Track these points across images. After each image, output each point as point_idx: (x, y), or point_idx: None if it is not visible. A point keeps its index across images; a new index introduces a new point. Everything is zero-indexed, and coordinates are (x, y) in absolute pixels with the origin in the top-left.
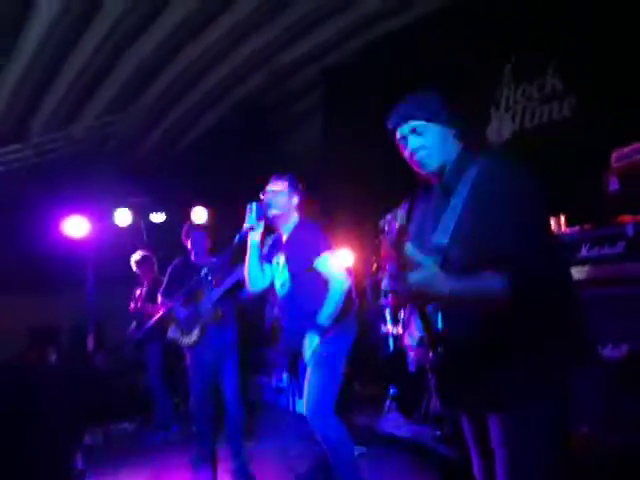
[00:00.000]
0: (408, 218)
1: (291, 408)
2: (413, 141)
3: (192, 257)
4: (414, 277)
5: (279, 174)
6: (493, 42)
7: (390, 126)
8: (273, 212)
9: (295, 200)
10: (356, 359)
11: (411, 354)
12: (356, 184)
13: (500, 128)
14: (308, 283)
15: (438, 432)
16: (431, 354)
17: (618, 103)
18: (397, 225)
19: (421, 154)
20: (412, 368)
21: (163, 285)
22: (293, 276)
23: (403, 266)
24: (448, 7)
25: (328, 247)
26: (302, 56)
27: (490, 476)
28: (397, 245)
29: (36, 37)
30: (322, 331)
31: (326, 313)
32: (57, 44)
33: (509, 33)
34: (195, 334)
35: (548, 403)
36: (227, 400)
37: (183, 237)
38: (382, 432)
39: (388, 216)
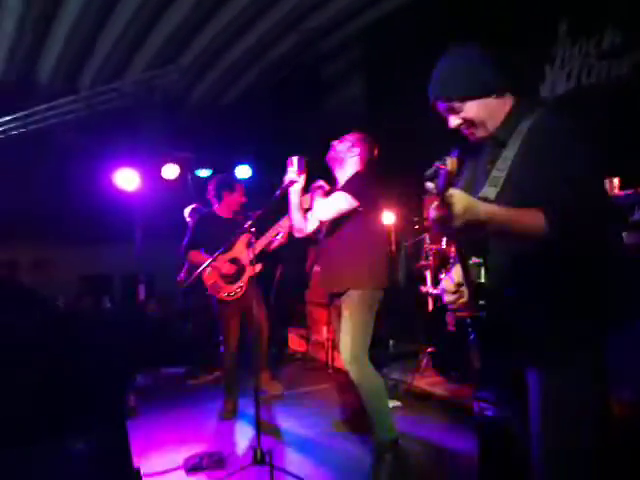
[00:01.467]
0: (458, 165)
1: (329, 361)
2: (451, 119)
3: (217, 209)
4: (460, 199)
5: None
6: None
7: (430, 100)
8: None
9: (356, 151)
10: (394, 317)
11: (447, 302)
12: (399, 143)
13: (554, 86)
14: (343, 228)
15: (474, 389)
16: (472, 305)
17: None
18: (446, 170)
19: (464, 128)
20: (451, 323)
21: (189, 237)
22: (330, 222)
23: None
24: None
25: (343, 189)
26: (340, 13)
27: (526, 435)
28: (445, 190)
29: None
30: None
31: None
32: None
33: None
34: (238, 286)
35: (587, 361)
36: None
37: (217, 189)
38: (418, 389)
39: (436, 163)
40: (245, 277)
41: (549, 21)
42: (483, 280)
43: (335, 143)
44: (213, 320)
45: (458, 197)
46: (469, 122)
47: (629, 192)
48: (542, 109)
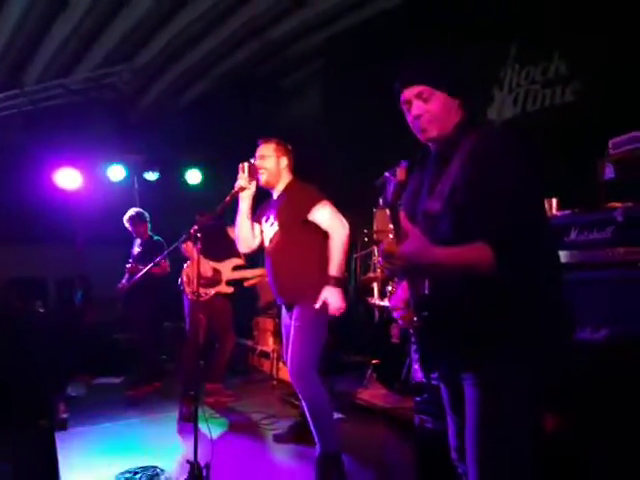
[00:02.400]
0: (407, 175)
1: (274, 373)
2: (417, 106)
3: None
4: (405, 249)
5: (267, 138)
6: (500, 22)
7: (396, 87)
8: (263, 174)
9: (284, 162)
10: (341, 329)
11: (397, 316)
12: (353, 154)
13: (502, 109)
14: (298, 238)
15: (416, 402)
16: (416, 317)
17: (621, 91)
18: (395, 180)
19: (424, 120)
20: (395, 335)
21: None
22: (283, 230)
23: (395, 233)
24: None
25: (322, 198)
26: (301, 26)
27: (463, 442)
28: (393, 204)
29: None
30: (337, 283)
31: (336, 263)
32: None
33: (516, 14)
34: (204, 292)
35: (522, 370)
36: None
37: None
38: (361, 400)
39: (386, 173)
40: (215, 290)
41: (500, 45)
42: (427, 292)
43: (257, 161)
44: (155, 329)
45: (413, 236)
46: (430, 114)
47: (566, 213)
48: (486, 130)
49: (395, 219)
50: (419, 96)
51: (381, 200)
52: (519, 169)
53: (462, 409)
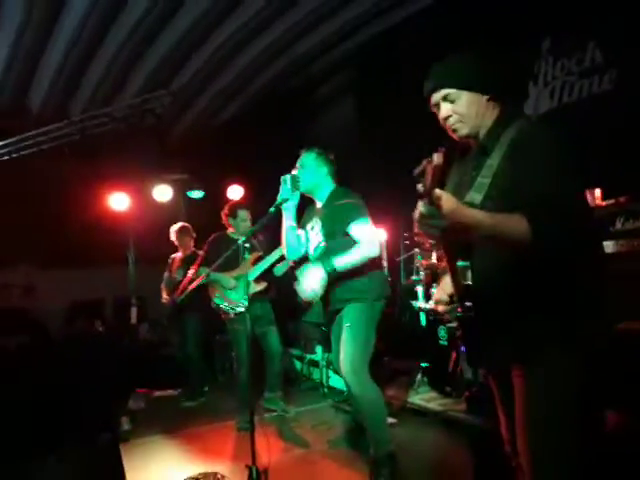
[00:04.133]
0: (445, 159)
1: (324, 381)
2: (444, 108)
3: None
4: (447, 200)
5: (307, 148)
6: (532, 16)
7: (424, 93)
8: (305, 183)
9: (325, 170)
10: (388, 334)
11: (441, 310)
12: (390, 162)
13: (538, 103)
14: (341, 247)
15: (467, 404)
16: (460, 308)
17: None
18: (433, 165)
19: (452, 120)
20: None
21: (201, 258)
22: (328, 238)
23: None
24: None
25: (362, 213)
26: (328, 38)
27: (515, 434)
28: (433, 185)
29: (74, 19)
30: (331, 270)
31: (345, 260)
32: (94, 26)
33: (547, 7)
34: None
35: (569, 359)
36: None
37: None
38: (412, 405)
39: (424, 161)
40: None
41: (532, 39)
42: (470, 282)
43: (299, 171)
44: (204, 343)
45: (446, 198)
46: (458, 115)
47: (611, 202)
48: (526, 122)
49: (433, 201)
50: (445, 98)
51: (420, 187)
52: (558, 158)
53: (512, 401)
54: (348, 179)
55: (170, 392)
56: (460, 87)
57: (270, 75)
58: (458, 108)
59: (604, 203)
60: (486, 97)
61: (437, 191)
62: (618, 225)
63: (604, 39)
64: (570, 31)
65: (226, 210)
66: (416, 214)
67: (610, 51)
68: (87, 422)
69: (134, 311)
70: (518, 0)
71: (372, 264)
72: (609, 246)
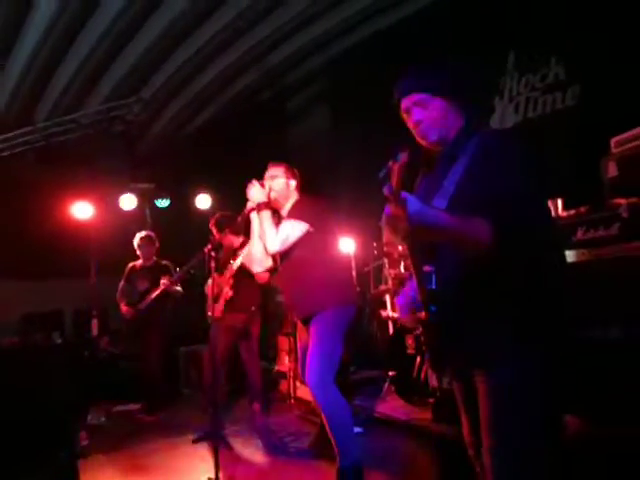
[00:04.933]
0: (409, 159)
1: (292, 392)
2: (415, 113)
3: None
4: (412, 205)
5: (276, 161)
6: (496, 32)
7: (395, 98)
8: (272, 195)
9: (293, 183)
10: (356, 343)
11: (404, 315)
12: (361, 173)
13: (503, 118)
14: (304, 252)
15: (433, 412)
16: (424, 313)
17: (620, 91)
18: (396, 165)
19: (423, 126)
20: (411, 345)
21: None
22: (287, 252)
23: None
24: None
25: (304, 217)
26: (302, 49)
27: (479, 439)
28: (398, 186)
29: (42, 23)
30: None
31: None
32: (62, 30)
33: (512, 23)
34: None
35: (531, 363)
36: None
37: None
38: (379, 413)
39: (390, 162)
40: (221, 300)
41: (498, 54)
42: (434, 286)
43: (268, 182)
44: (165, 354)
45: (411, 200)
46: (429, 119)
47: (572, 212)
48: (490, 130)
49: (399, 202)
50: (417, 104)
51: (386, 189)
52: (520, 163)
53: (475, 405)
54: (319, 189)
55: (131, 406)
56: (431, 92)
57: (242, 85)
58: (430, 113)
59: (565, 213)
60: (455, 103)
61: (403, 194)
62: (579, 235)
63: (567, 56)
64: (534, 48)
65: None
66: (385, 212)
67: (573, 68)
68: (44, 438)
69: (95, 323)
70: (484, 17)
71: (334, 271)
72: (571, 255)
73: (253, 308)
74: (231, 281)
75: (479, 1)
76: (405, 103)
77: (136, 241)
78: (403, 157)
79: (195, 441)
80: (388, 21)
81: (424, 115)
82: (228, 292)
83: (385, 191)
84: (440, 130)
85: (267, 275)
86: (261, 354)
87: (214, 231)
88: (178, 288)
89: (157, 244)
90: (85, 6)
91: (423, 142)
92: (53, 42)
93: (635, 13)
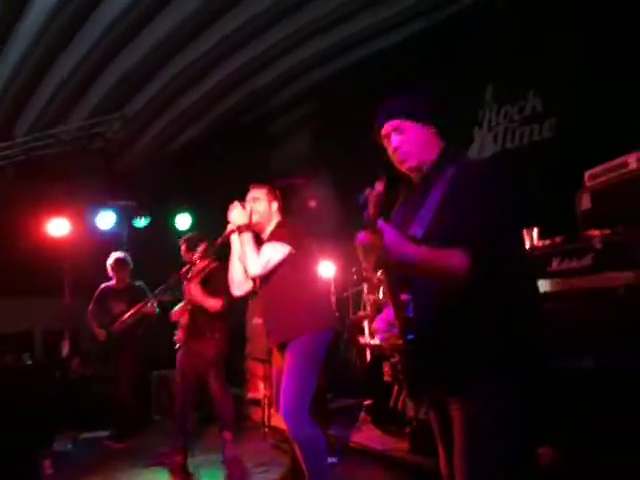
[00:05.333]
0: (386, 187)
1: (266, 420)
2: (394, 139)
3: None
4: (386, 236)
5: (258, 183)
6: (475, 64)
7: (376, 125)
8: (255, 218)
9: (275, 205)
10: (333, 371)
11: (381, 339)
12: (341, 197)
13: (482, 147)
14: (282, 277)
15: (409, 442)
16: (401, 340)
17: (595, 125)
18: (373, 194)
19: (401, 151)
20: (387, 373)
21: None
22: (267, 275)
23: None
24: (433, 28)
25: (285, 240)
26: (285, 74)
27: (453, 469)
28: (375, 213)
29: (26, 38)
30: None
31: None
32: (47, 45)
33: (490, 56)
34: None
35: (505, 393)
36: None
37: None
38: (355, 443)
39: (367, 190)
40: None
41: (477, 86)
42: (411, 314)
43: (249, 204)
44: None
45: (387, 230)
46: (407, 145)
47: (547, 242)
48: (467, 159)
49: (375, 232)
50: (396, 129)
51: (365, 216)
52: (496, 194)
53: (450, 435)
54: (299, 213)
55: (99, 433)
56: (410, 118)
57: (226, 106)
58: (407, 138)
59: (541, 243)
60: (433, 130)
61: (379, 223)
62: (554, 265)
63: (544, 89)
64: (512, 80)
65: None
66: (359, 238)
67: (550, 100)
68: (6, 467)
69: (66, 344)
70: (463, 49)
71: (313, 296)
72: (545, 285)
73: (208, 334)
74: (188, 306)
75: (459, 34)
76: (385, 129)
77: (110, 262)
78: (379, 186)
79: (147, 465)
80: (370, 50)
81: (402, 140)
82: (185, 318)
83: (365, 219)
84: (418, 155)
85: (220, 304)
86: (233, 380)
87: (183, 253)
88: (156, 310)
89: (131, 266)
90: (71, 22)
91: (402, 167)
92: (37, 57)
93: (612, 49)
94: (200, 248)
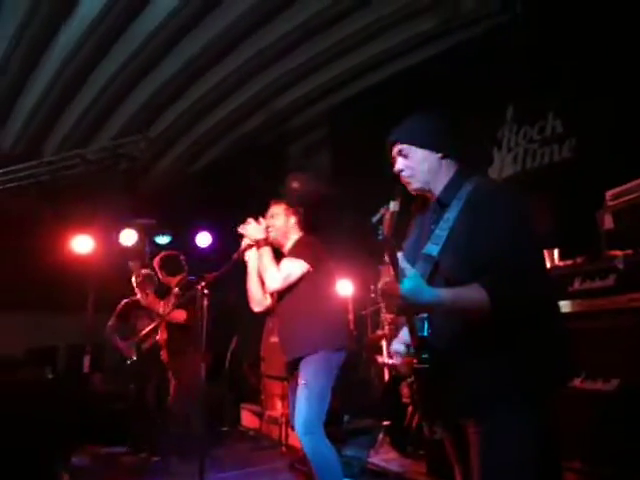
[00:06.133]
0: (401, 206)
1: (283, 439)
2: (399, 161)
3: None
4: (404, 287)
5: (277, 199)
6: (495, 85)
7: (387, 147)
8: (272, 234)
9: (293, 220)
10: (351, 391)
11: (397, 361)
12: (360, 216)
13: (502, 168)
14: (296, 293)
15: (427, 464)
16: (416, 360)
17: (616, 145)
18: (390, 212)
19: (404, 174)
20: (406, 394)
21: None
22: (285, 290)
23: (392, 267)
24: (453, 48)
25: (303, 256)
26: (304, 97)
27: None
28: (387, 237)
29: (58, 58)
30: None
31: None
32: (77, 68)
33: (511, 77)
34: None
35: (524, 417)
36: None
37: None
38: (372, 464)
39: (382, 209)
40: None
41: (497, 107)
42: (426, 334)
43: (268, 220)
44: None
45: (408, 277)
46: (410, 169)
47: (568, 263)
48: (483, 179)
49: (391, 252)
50: (400, 153)
51: (379, 235)
52: (514, 218)
53: (468, 457)
54: (318, 231)
55: (117, 449)
56: (413, 143)
57: (247, 128)
58: (410, 163)
59: (562, 263)
60: (439, 155)
61: (389, 286)
62: (576, 285)
63: (564, 109)
64: (532, 101)
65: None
66: (380, 286)
67: (570, 121)
68: (26, 478)
69: (87, 359)
70: (484, 70)
71: (329, 314)
72: (567, 305)
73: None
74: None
75: (479, 55)
76: (393, 152)
77: (136, 279)
78: (395, 205)
79: None
80: (389, 72)
81: (405, 164)
82: (163, 335)
83: (379, 238)
84: (421, 179)
85: (183, 315)
86: (250, 398)
87: (158, 271)
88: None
89: (156, 282)
90: (97, 49)
91: (409, 189)
92: (65, 81)
93: (631, 70)
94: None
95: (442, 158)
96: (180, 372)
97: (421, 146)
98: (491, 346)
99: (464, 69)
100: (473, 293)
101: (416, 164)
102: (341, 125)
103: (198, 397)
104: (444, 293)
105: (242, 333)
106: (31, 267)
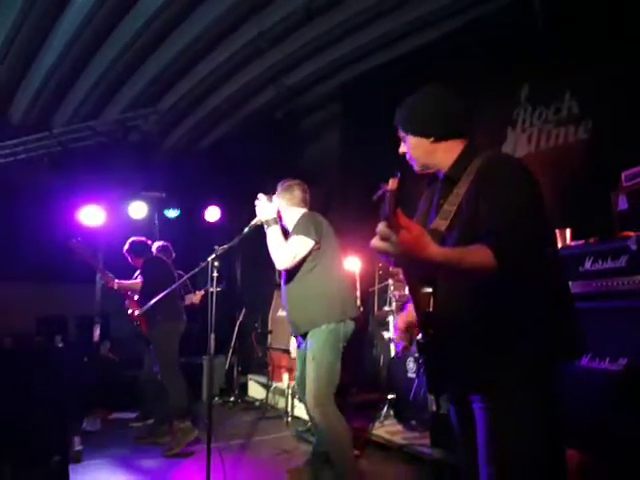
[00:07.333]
0: (400, 183)
1: (289, 409)
2: (401, 146)
3: None
4: (404, 236)
5: (286, 179)
6: (511, 65)
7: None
8: (282, 210)
9: (298, 197)
10: (358, 365)
11: (400, 337)
12: (369, 192)
13: (516, 147)
14: (302, 267)
15: (431, 437)
16: (421, 335)
17: (632, 127)
18: (388, 190)
19: (407, 157)
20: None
21: None
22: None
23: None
24: (469, 28)
25: (304, 231)
26: (315, 74)
27: (475, 465)
28: (392, 209)
29: (68, 29)
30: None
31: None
32: (88, 39)
33: (527, 57)
34: None
35: (530, 391)
36: None
37: None
38: (377, 437)
39: (381, 186)
40: None
41: (512, 86)
42: (432, 309)
43: (275, 198)
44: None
45: (414, 227)
46: (408, 154)
47: (579, 243)
48: (492, 152)
49: (393, 226)
50: (400, 137)
51: (381, 212)
52: (520, 184)
53: (473, 431)
54: (326, 208)
55: (127, 414)
56: (405, 130)
57: (258, 103)
58: (408, 147)
59: (573, 243)
60: (430, 139)
61: (402, 220)
62: (587, 265)
63: (580, 90)
64: (548, 81)
65: None
66: (377, 230)
67: (586, 102)
68: (38, 441)
69: (97, 328)
70: (500, 49)
71: (333, 287)
72: (577, 286)
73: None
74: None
75: (495, 33)
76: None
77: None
78: (393, 183)
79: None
80: (403, 49)
81: (405, 148)
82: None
83: (381, 215)
84: (419, 162)
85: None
86: (257, 370)
87: (128, 255)
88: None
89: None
90: (108, 21)
91: (414, 169)
92: (76, 53)
93: None
94: None
95: (435, 142)
96: (153, 341)
97: (412, 133)
98: (497, 320)
99: (480, 47)
100: (479, 251)
101: (409, 148)
102: (353, 102)
103: (173, 366)
104: (445, 249)
105: (249, 306)
106: (42, 238)
